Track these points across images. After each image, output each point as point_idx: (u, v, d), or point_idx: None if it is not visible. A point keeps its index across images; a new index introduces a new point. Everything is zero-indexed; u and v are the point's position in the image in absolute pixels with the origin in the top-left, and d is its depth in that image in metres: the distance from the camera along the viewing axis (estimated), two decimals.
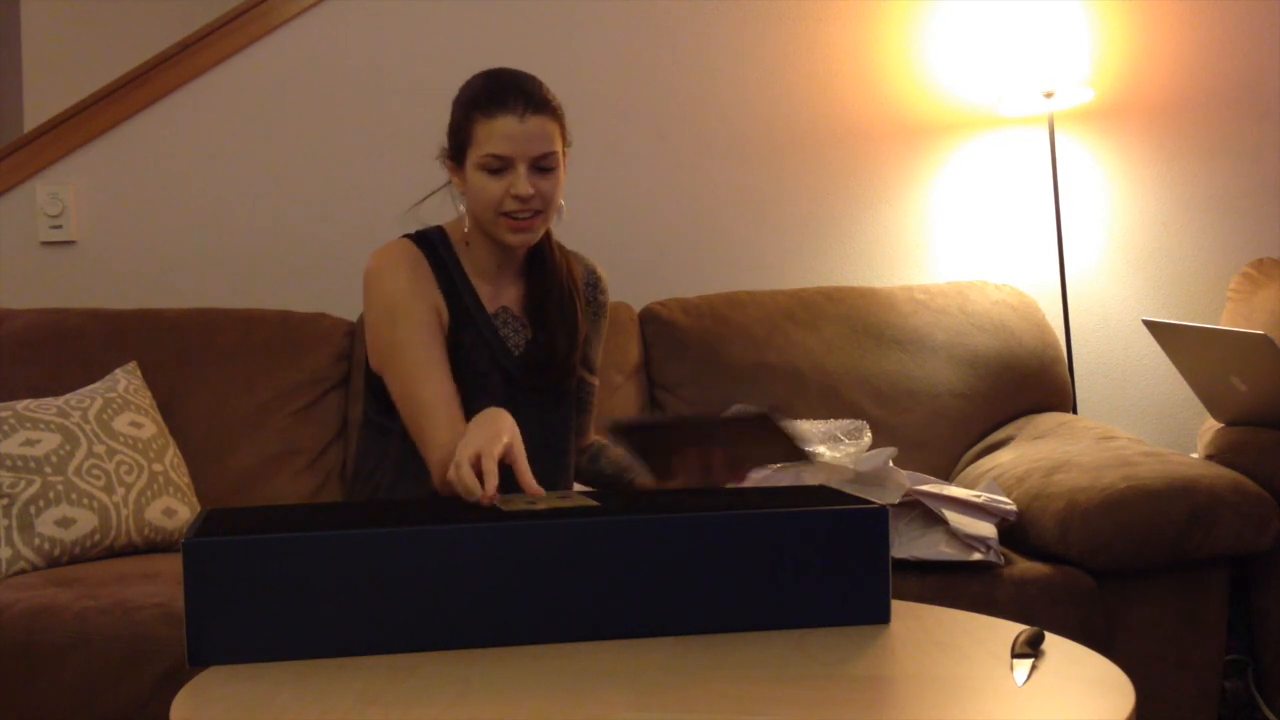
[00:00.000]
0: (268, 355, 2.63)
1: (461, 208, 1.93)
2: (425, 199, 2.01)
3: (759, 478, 2.13)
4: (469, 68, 1.95)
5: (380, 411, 1.95)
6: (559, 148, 1.87)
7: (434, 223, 1.99)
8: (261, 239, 2.94)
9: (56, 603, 1.94)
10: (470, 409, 1.80)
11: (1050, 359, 2.80)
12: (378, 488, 1.96)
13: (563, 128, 1.88)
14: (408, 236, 1.96)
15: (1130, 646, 2.08)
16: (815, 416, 2.53)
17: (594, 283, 2.07)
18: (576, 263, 2.04)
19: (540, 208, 1.85)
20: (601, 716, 1.15)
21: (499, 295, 1.96)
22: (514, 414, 1.73)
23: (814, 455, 1.69)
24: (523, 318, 1.96)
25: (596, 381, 2.09)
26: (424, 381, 1.84)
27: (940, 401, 2.71)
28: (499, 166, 1.83)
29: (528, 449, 1.70)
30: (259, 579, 1.32)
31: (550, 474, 1.94)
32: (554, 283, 1.96)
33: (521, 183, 1.82)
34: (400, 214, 2.01)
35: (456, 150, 1.89)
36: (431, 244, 1.95)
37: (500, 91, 1.84)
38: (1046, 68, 2.86)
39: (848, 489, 1.85)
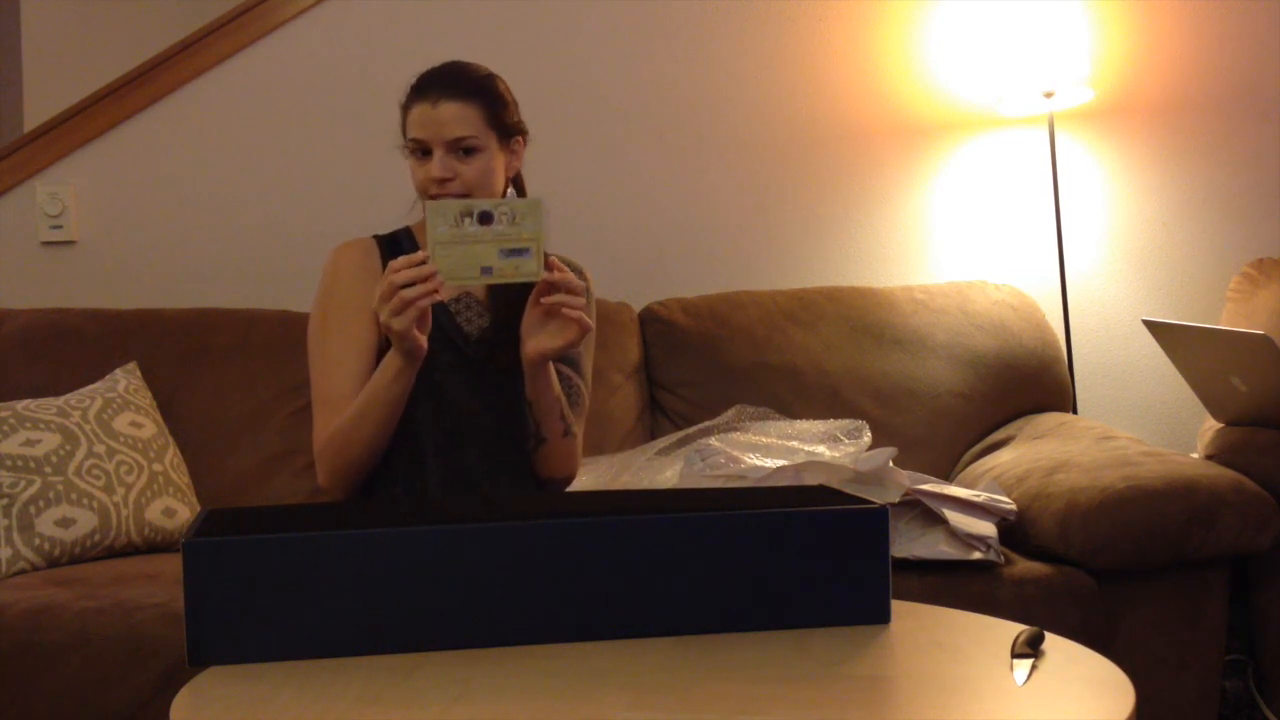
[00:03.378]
0: (268, 355, 2.63)
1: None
2: (415, 203, 2.10)
3: (758, 478, 2.13)
4: None
5: None
6: (478, 132, 1.96)
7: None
8: (261, 239, 2.94)
9: (56, 603, 1.94)
10: (421, 384, 1.91)
11: (1050, 359, 2.81)
12: (390, 484, 1.99)
13: (493, 114, 1.98)
14: (374, 236, 2.10)
15: (1130, 646, 2.08)
16: (815, 416, 2.53)
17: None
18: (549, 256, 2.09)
19: (462, 190, 1.96)
20: (601, 716, 1.15)
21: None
22: (471, 393, 1.96)
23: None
24: (485, 303, 2.05)
25: (576, 377, 2.07)
26: (332, 373, 1.97)
27: (940, 401, 2.71)
28: (420, 150, 1.97)
29: (485, 425, 1.95)
30: (259, 579, 1.32)
31: (505, 450, 1.97)
32: None
33: (434, 165, 1.95)
34: (383, 214, 2.09)
35: (403, 142, 2.03)
36: (395, 240, 2.09)
37: (421, 82, 2.00)
38: (1046, 68, 2.86)
39: (848, 489, 1.85)
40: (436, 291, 1.74)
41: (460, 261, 1.72)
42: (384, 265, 2.01)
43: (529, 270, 1.74)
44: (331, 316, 2.00)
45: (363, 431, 1.90)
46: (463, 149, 1.95)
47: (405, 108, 1.99)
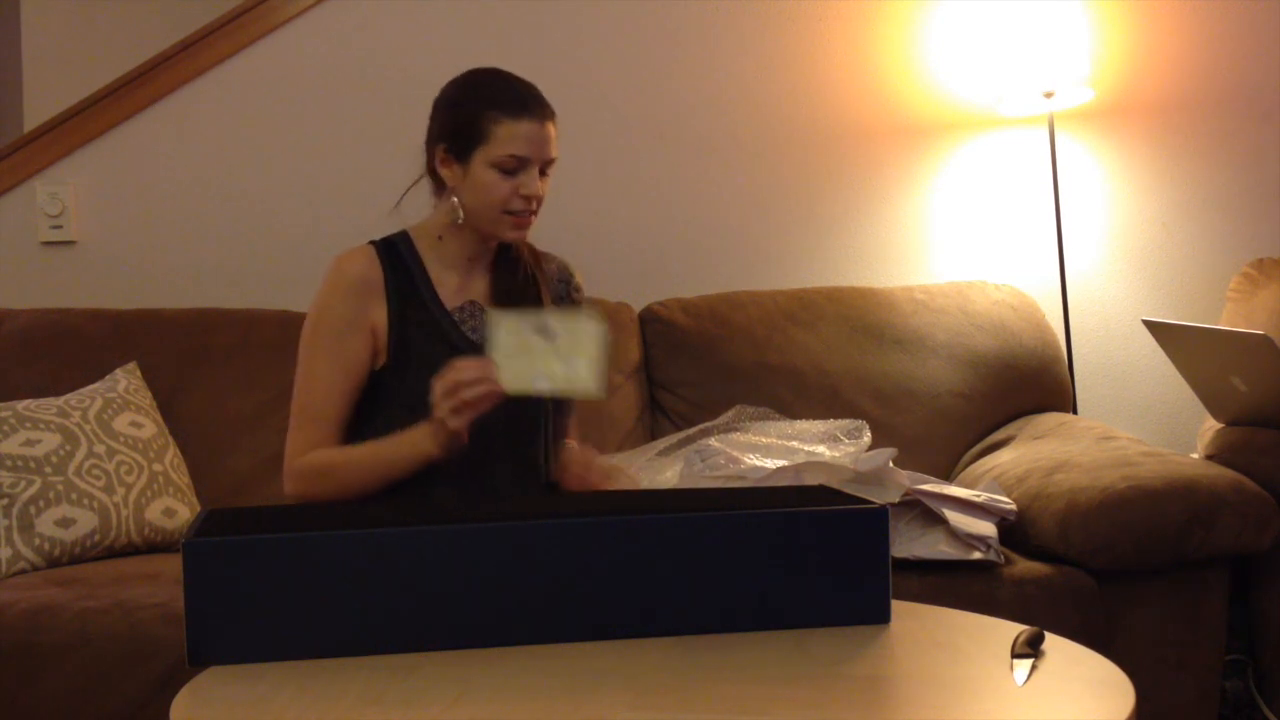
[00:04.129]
0: (268, 355, 2.63)
1: (454, 199, 1.97)
2: (402, 197, 2.05)
3: (758, 478, 2.13)
4: (469, 68, 2.00)
5: (360, 418, 1.98)
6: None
7: (415, 210, 2.05)
8: (261, 239, 2.94)
9: (56, 603, 1.94)
10: (427, 395, 1.87)
11: (1050, 359, 2.81)
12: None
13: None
14: (373, 243, 2.03)
15: (1130, 646, 2.08)
16: (815, 416, 2.53)
17: (566, 279, 2.12)
18: (548, 260, 2.10)
19: (537, 207, 1.96)
20: (601, 716, 1.15)
21: (466, 289, 2.02)
22: None
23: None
24: (490, 308, 2.02)
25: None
26: (315, 388, 1.97)
27: (940, 401, 2.71)
28: (515, 167, 1.91)
29: (496, 434, 1.91)
30: (259, 579, 1.32)
31: (518, 456, 1.97)
32: (518, 273, 2.04)
33: (537, 183, 1.92)
34: (384, 214, 2.06)
35: (461, 145, 1.93)
36: (394, 249, 2.02)
37: (522, 95, 1.93)
38: (1046, 68, 2.86)
39: (848, 489, 1.85)
40: (497, 394, 1.76)
41: (521, 372, 1.73)
42: (384, 275, 1.98)
43: (585, 385, 1.73)
44: (323, 331, 1.98)
45: (361, 482, 1.90)
46: (546, 170, 1.95)
47: (497, 119, 1.90)
